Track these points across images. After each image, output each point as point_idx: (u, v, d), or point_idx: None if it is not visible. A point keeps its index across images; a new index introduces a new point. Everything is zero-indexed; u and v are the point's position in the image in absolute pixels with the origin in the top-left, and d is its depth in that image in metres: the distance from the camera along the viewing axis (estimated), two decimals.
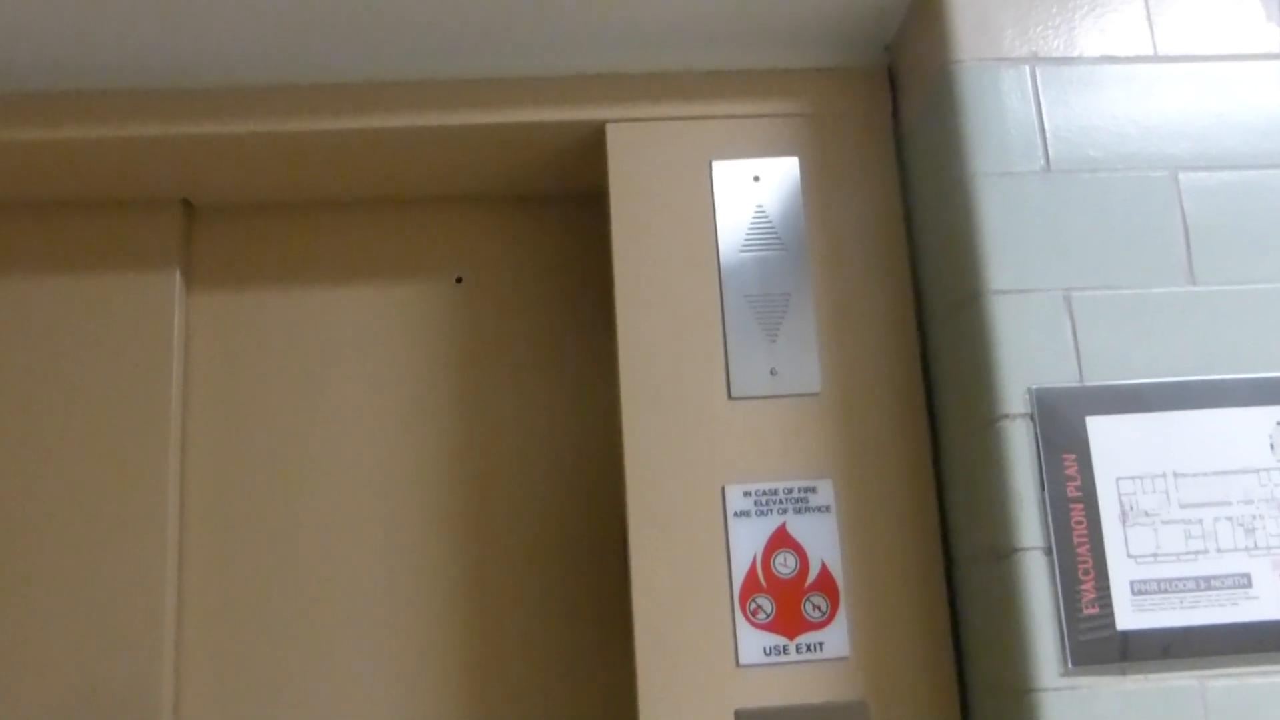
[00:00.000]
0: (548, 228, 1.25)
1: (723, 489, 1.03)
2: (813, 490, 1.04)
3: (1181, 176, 0.98)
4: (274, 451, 1.19)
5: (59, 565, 1.14)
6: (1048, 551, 0.90)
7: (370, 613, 1.16)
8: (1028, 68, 1.00)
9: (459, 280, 1.23)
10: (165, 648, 1.11)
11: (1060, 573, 0.89)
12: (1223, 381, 0.93)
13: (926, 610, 1.02)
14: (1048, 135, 0.98)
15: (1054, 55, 1.00)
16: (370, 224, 1.24)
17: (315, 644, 1.15)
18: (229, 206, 1.24)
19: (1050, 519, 0.90)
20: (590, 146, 1.13)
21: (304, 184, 1.20)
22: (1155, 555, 0.90)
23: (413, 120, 1.09)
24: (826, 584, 1.02)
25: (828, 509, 1.03)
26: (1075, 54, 1.01)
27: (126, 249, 1.20)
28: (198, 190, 1.20)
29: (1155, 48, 1.02)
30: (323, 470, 1.19)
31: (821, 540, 1.03)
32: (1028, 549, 0.90)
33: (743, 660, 1.00)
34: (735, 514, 1.03)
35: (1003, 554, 0.92)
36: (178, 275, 1.20)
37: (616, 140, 1.08)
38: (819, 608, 1.02)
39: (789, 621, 1.01)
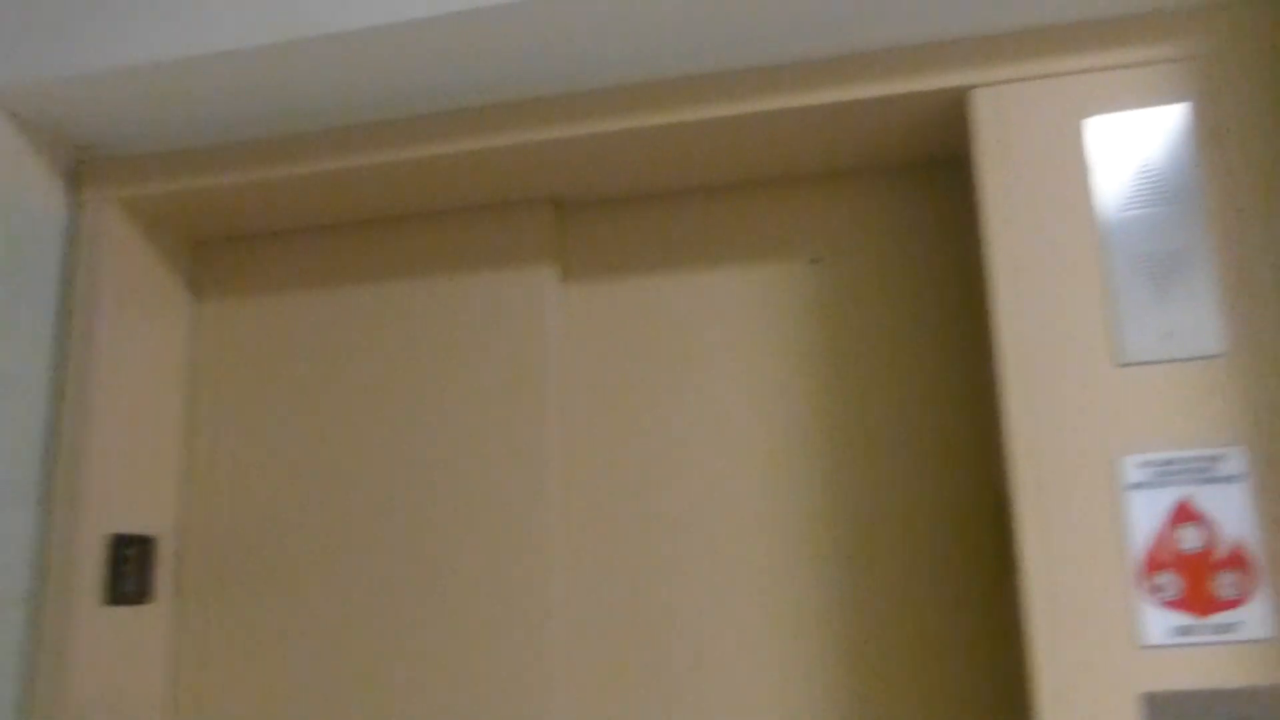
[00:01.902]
0: (902, 199, 1.23)
1: (1118, 460, 0.98)
2: (1221, 458, 0.96)
3: None
4: (643, 437, 1.23)
5: (441, 555, 1.23)
6: None
7: (740, 601, 1.17)
8: None
9: (815, 260, 1.24)
10: (547, 643, 1.19)
11: None
12: None
13: None
14: None
15: None
16: (726, 209, 1.27)
17: (688, 632, 1.18)
18: (594, 202, 1.32)
19: None
20: (951, 112, 1.11)
21: (661, 175, 1.25)
22: None
23: (765, 104, 1.10)
24: (1240, 559, 0.95)
25: (1238, 478, 0.96)
26: None
27: (503, 249, 1.31)
28: (565, 189, 1.29)
29: None
30: (690, 457, 1.22)
31: (1232, 512, 0.96)
32: None
33: (1147, 641, 0.95)
34: (1132, 486, 0.97)
35: None
36: (550, 271, 1.28)
37: (982, 105, 1.05)
38: (1232, 585, 0.95)
39: (1198, 600, 0.95)
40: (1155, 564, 0.96)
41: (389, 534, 1.25)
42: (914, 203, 1.23)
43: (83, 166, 1.27)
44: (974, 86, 1.06)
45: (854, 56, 1.09)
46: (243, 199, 1.28)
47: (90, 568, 1.16)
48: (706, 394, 1.23)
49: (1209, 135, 1.02)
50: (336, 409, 1.30)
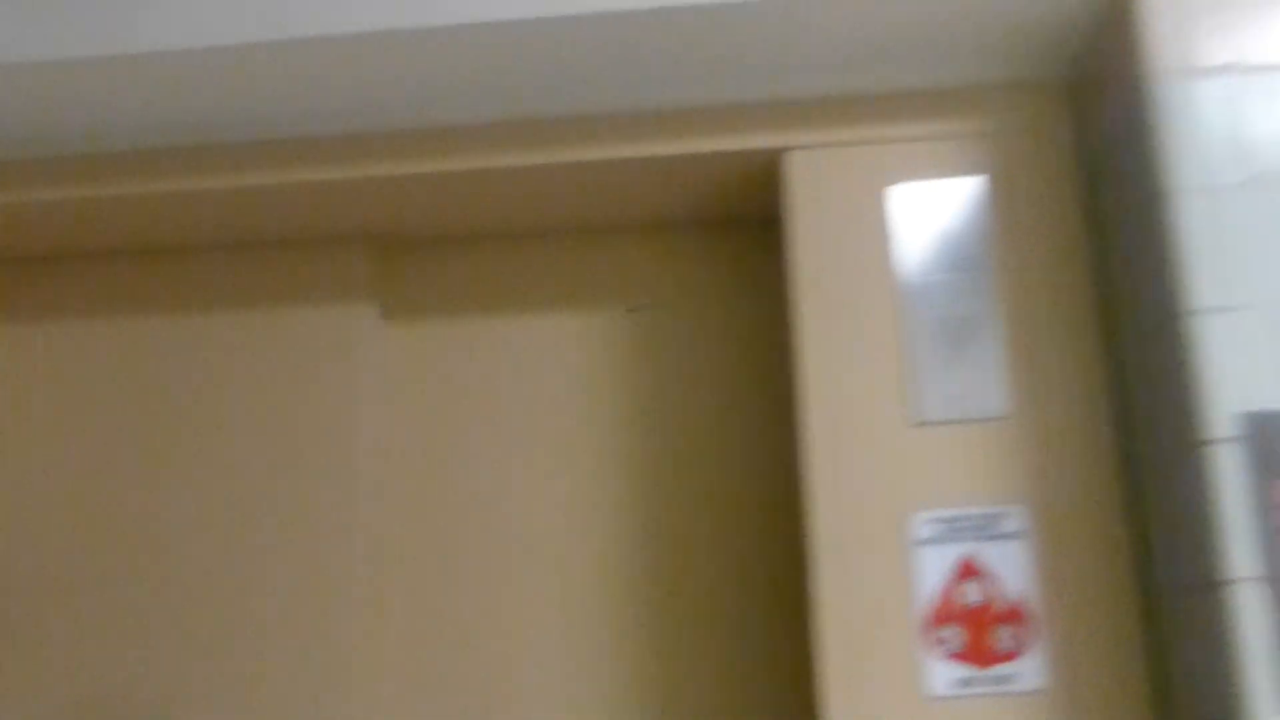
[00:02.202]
0: (721, 254, 1.26)
1: (908, 516, 1.01)
2: (1003, 517, 1.01)
3: None
4: (457, 475, 1.22)
5: (246, 589, 1.19)
6: (1263, 583, 0.85)
7: (548, 641, 1.17)
8: (1228, 77, 0.96)
9: (633, 309, 1.25)
10: (347, 671, 1.16)
11: (1278, 606, 0.85)
12: None
13: (1126, 642, 0.98)
14: (1250, 147, 0.94)
15: (1256, 64, 0.96)
16: (547, 255, 1.27)
17: (486, 677, 1.17)
18: (415, 241, 1.29)
19: (1266, 548, 0.86)
20: (765, 173, 1.14)
21: (483, 217, 1.24)
22: None
23: (584, 154, 1.11)
24: (1018, 614, 0.99)
25: (1019, 536, 1.01)
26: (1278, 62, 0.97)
27: (320, 285, 1.27)
28: (385, 227, 1.26)
29: None
30: (503, 499, 1.21)
31: (1012, 568, 1.00)
32: (1240, 580, 0.86)
33: (931, 692, 0.98)
34: (921, 542, 1.01)
35: (1213, 586, 0.88)
36: (369, 309, 1.25)
37: (794, 168, 1.08)
38: (1011, 638, 0.99)
39: (979, 652, 0.99)
40: (941, 618, 1.00)
41: (189, 576, 1.19)
42: (731, 258, 1.26)
43: None
44: (787, 149, 1.09)
45: (674, 112, 1.10)
46: (40, 218, 1.21)
47: None
48: (522, 435, 1.22)
49: (1003, 207, 1.08)
50: (134, 445, 1.23)
